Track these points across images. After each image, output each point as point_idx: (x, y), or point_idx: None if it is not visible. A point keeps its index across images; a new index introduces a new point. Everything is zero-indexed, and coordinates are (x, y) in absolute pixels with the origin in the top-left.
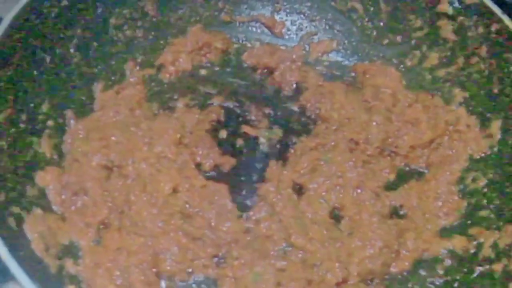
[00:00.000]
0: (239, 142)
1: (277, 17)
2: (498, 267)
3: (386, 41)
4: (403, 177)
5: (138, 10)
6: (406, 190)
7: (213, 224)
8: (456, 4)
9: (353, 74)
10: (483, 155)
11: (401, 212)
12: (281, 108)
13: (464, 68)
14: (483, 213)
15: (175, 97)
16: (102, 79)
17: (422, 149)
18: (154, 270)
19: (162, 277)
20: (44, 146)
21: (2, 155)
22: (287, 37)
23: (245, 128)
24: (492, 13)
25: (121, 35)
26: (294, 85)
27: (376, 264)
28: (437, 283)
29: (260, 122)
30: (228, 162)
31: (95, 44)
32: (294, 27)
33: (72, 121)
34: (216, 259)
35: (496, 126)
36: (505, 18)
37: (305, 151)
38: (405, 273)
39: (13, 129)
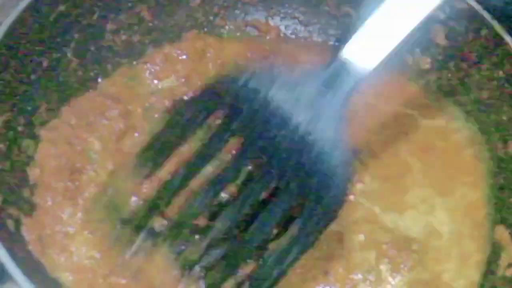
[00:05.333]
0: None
1: (271, 22)
2: None
3: None
4: None
5: (134, 16)
6: None
7: None
8: (447, 9)
9: None
10: None
11: None
12: None
13: (455, 72)
14: None
15: None
16: None
17: None
18: None
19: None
20: None
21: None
22: None
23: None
24: (482, 18)
25: (117, 39)
26: None
27: None
28: None
29: None
30: None
31: (91, 48)
32: (288, 32)
33: None
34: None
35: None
36: (494, 23)
37: None
38: None
39: (11, 132)
